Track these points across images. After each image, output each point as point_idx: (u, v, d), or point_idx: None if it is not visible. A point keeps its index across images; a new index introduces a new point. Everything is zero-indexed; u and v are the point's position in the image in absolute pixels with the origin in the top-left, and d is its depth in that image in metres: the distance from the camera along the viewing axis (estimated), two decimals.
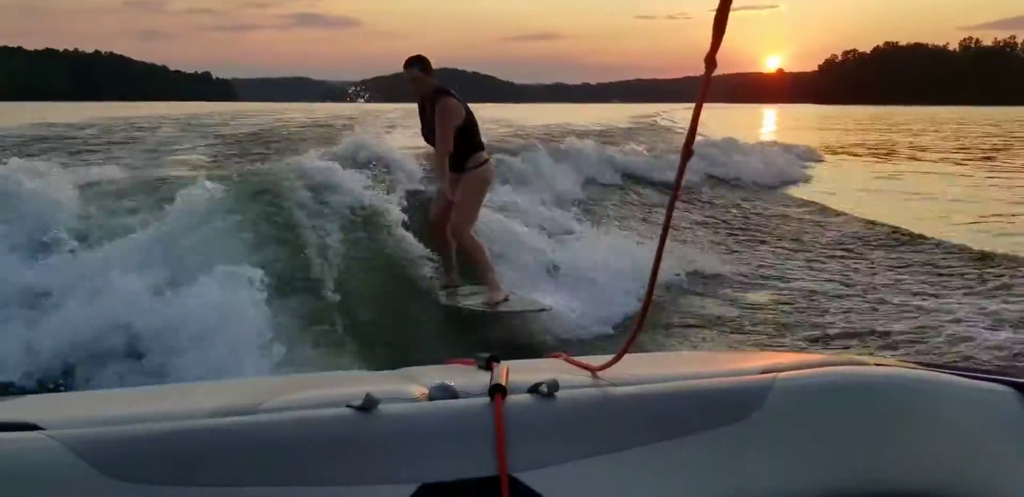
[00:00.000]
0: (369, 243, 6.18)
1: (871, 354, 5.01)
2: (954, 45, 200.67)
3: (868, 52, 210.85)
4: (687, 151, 1.31)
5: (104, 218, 5.70)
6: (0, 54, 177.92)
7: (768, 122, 52.75)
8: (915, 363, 1.71)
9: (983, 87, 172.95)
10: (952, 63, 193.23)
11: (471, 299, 5.86)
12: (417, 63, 5.89)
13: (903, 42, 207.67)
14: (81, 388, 4.21)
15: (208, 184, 5.96)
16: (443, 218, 6.02)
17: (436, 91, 5.88)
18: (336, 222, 6.14)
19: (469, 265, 6.01)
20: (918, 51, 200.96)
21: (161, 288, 4.78)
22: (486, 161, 6.06)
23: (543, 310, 5.67)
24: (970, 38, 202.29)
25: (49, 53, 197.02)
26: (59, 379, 4.39)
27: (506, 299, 5.76)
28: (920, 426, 1.46)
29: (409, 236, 6.38)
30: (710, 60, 1.21)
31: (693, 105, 1.35)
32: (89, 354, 4.51)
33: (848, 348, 5.44)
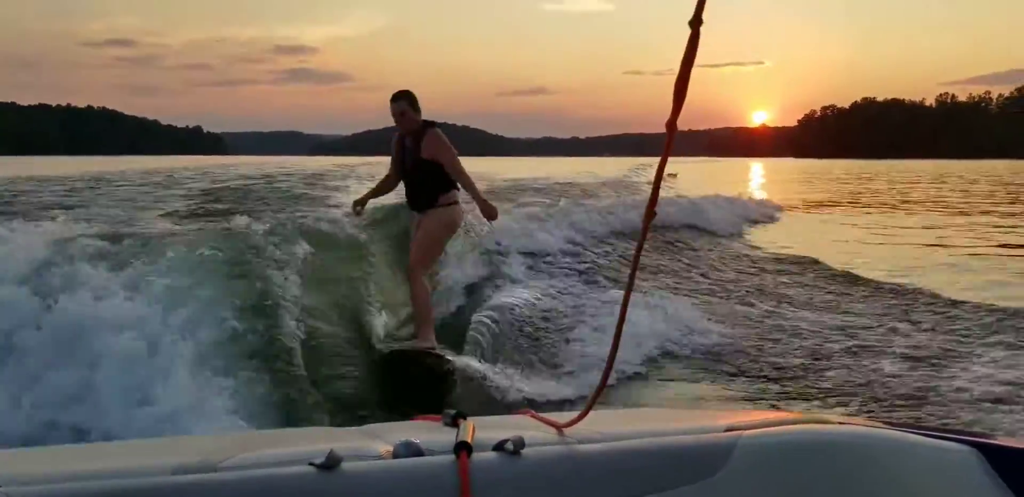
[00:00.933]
0: (336, 295, 6.07)
1: (835, 412, 4.94)
2: (931, 100, 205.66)
3: (847, 107, 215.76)
4: (650, 211, 1.30)
5: (62, 271, 5.49)
6: None
7: (741, 176, 54.26)
8: (879, 422, 1.69)
9: (955, 141, 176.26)
10: (927, 118, 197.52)
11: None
12: (405, 97, 5.80)
13: (880, 98, 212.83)
14: (33, 444, 4.00)
15: (177, 240, 5.86)
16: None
17: (425, 124, 5.81)
18: (302, 272, 6.01)
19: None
20: (895, 106, 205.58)
21: (117, 341, 4.60)
22: (457, 202, 5.93)
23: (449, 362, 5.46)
24: (946, 94, 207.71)
25: (42, 108, 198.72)
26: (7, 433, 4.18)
27: (432, 348, 5.53)
28: (884, 486, 1.45)
29: (376, 287, 6.24)
30: (671, 125, 1.22)
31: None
32: (43, 408, 4.32)
33: (812, 406, 5.35)
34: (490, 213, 5.81)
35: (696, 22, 1.20)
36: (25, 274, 5.32)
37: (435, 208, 5.79)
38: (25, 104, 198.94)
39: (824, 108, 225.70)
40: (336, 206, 12.48)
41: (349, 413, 4.70)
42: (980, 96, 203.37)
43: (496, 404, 5.05)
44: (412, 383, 5.32)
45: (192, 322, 4.75)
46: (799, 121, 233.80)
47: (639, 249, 1.40)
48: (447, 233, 6.02)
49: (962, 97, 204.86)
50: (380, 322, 6.16)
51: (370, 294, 6.44)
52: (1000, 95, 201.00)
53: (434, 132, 5.75)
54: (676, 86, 1.20)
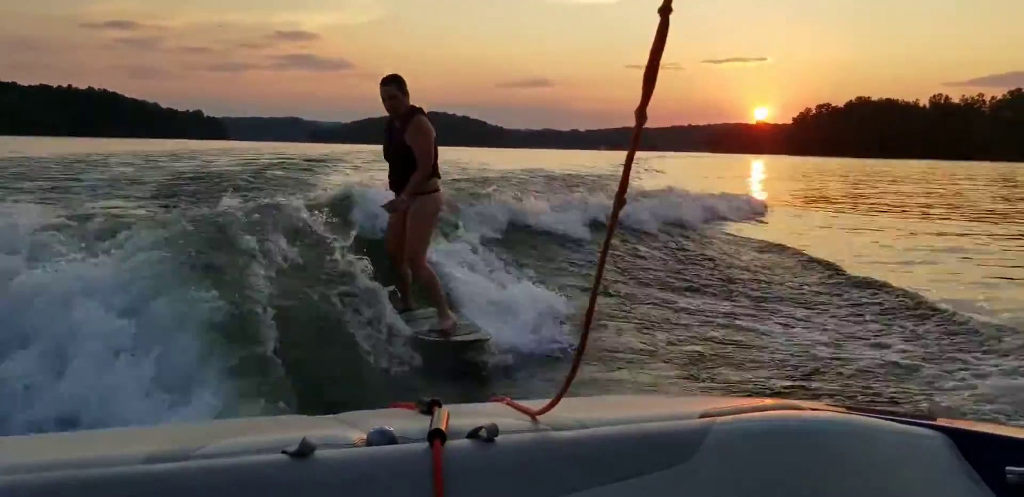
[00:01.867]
0: (311, 280, 6.00)
1: (806, 398, 4.91)
2: (924, 102, 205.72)
3: (841, 106, 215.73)
4: (620, 199, 1.31)
5: (40, 254, 5.43)
6: None
7: (727, 172, 54.50)
8: (848, 408, 1.70)
9: (947, 142, 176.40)
10: (921, 119, 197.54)
11: (424, 324, 5.96)
12: (394, 81, 5.85)
13: (876, 97, 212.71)
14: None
15: (149, 223, 5.79)
16: (399, 244, 6.06)
17: (411, 110, 5.87)
18: (277, 259, 5.91)
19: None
20: (889, 106, 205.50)
21: (94, 326, 4.54)
22: (439, 189, 6.05)
23: (484, 340, 5.80)
24: (940, 95, 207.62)
25: (43, 89, 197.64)
26: None
27: (454, 325, 5.89)
28: (854, 470, 1.46)
29: (354, 272, 6.20)
30: (640, 113, 1.23)
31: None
32: (8, 396, 4.23)
33: (783, 392, 5.35)
34: (396, 202, 5.88)
35: (665, 10, 1.18)
36: None
37: (420, 195, 5.86)
38: (26, 85, 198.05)
39: (819, 106, 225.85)
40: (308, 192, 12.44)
41: (324, 400, 4.56)
42: (973, 98, 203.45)
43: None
44: (388, 369, 5.36)
45: (161, 308, 4.67)
46: (793, 119, 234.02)
47: (609, 237, 1.39)
48: (433, 221, 6.13)
49: (956, 99, 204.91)
50: (361, 307, 6.10)
51: (343, 279, 6.38)
52: (993, 97, 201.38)
53: (420, 118, 5.82)
54: (645, 74, 1.21)
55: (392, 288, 5.99)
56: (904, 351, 6.43)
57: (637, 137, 1.27)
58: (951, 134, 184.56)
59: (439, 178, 5.99)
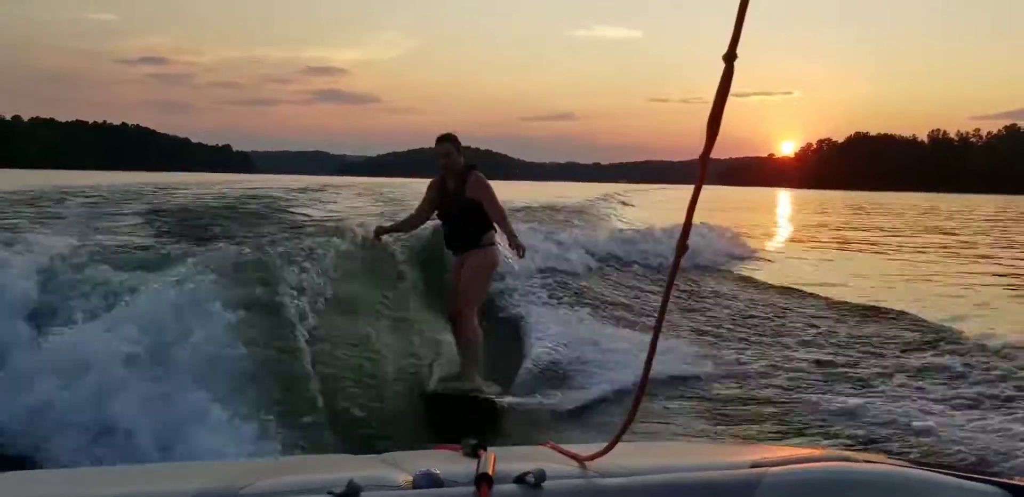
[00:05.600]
0: (356, 323, 5.93)
1: (859, 449, 4.72)
2: (922, 137, 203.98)
3: (839, 141, 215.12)
4: (682, 244, 1.29)
5: (78, 285, 5.44)
6: (35, 125, 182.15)
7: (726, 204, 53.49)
8: (904, 461, 1.62)
9: (942, 176, 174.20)
10: (919, 153, 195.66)
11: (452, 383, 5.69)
12: (449, 140, 5.87)
13: (874, 132, 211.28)
14: (49, 466, 3.91)
15: (192, 259, 5.75)
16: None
17: (468, 167, 5.88)
18: (321, 302, 5.88)
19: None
20: (887, 141, 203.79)
21: (136, 364, 4.49)
22: (495, 242, 5.96)
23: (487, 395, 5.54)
24: (937, 130, 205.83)
25: (79, 124, 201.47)
26: (27, 456, 4.08)
27: (473, 390, 5.58)
28: None
29: (398, 316, 6.19)
30: (704, 158, 1.22)
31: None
32: (58, 431, 4.22)
33: (836, 443, 5.12)
34: (519, 250, 5.79)
35: (730, 57, 1.17)
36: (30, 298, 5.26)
37: (478, 248, 5.83)
38: (63, 120, 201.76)
39: (820, 141, 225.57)
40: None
41: (369, 440, 4.57)
42: (969, 133, 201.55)
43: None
44: (434, 412, 5.25)
45: (208, 348, 4.60)
46: (795, 154, 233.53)
47: (670, 285, 1.37)
48: (490, 273, 6.08)
49: (952, 134, 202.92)
50: (410, 349, 6.00)
51: (393, 322, 6.29)
52: (989, 132, 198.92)
53: (478, 174, 5.81)
54: (709, 119, 1.19)
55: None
56: (962, 405, 6.03)
57: (701, 180, 1.24)
58: (951, 168, 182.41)
59: (495, 232, 5.91)
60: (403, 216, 6.83)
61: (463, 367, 5.76)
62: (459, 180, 5.84)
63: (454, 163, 5.84)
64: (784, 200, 69.57)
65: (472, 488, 1.26)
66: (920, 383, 6.61)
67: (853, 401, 6.01)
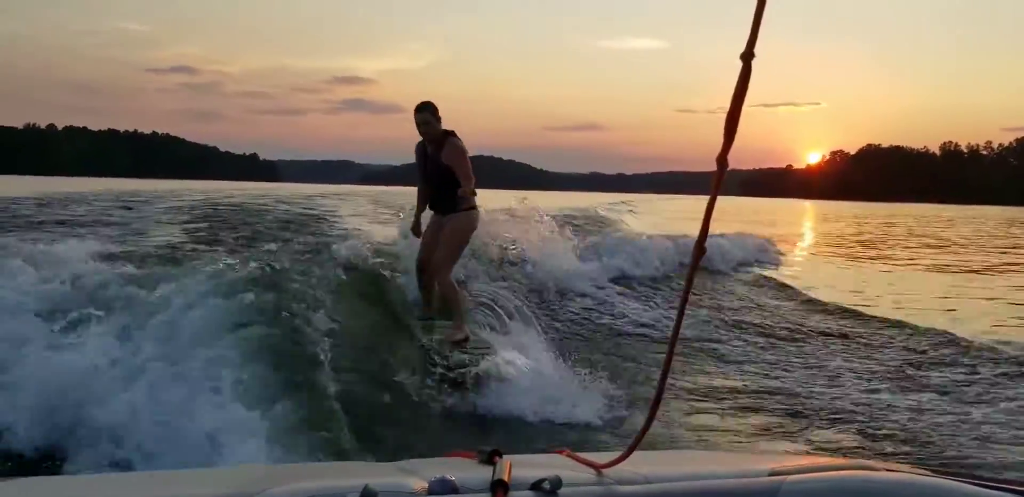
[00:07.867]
0: (374, 329, 5.94)
1: (880, 458, 4.62)
2: (934, 148, 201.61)
3: (852, 152, 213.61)
4: (699, 248, 1.27)
5: (95, 292, 5.45)
6: (69, 134, 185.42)
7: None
8: (926, 469, 1.57)
9: (950, 187, 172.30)
10: (928, 164, 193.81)
11: (440, 333, 6.10)
12: (428, 108, 6.12)
13: (886, 144, 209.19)
14: (61, 472, 3.92)
15: (209, 266, 5.77)
16: (430, 254, 6.31)
17: (445, 133, 6.13)
18: (337, 303, 5.86)
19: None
20: (897, 153, 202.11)
21: (150, 369, 4.50)
22: (475, 206, 6.21)
23: (486, 350, 5.83)
24: (950, 142, 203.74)
25: (112, 133, 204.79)
26: (43, 461, 4.10)
27: (467, 339, 6.02)
28: None
29: (415, 322, 6.18)
30: (721, 160, 1.19)
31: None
32: (70, 437, 4.24)
33: (855, 451, 5.04)
34: (467, 197, 6.00)
35: (747, 56, 1.12)
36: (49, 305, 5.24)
37: (458, 212, 6.12)
38: (96, 129, 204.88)
39: (833, 152, 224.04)
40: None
41: (385, 448, 4.50)
42: (980, 145, 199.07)
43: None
44: (450, 421, 5.23)
45: (222, 351, 4.60)
46: (808, 165, 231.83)
47: (687, 289, 1.33)
48: (467, 237, 6.35)
49: (963, 147, 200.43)
50: (420, 352, 6.00)
51: (407, 331, 6.30)
52: (1000, 144, 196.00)
53: (453, 140, 6.07)
54: (727, 121, 1.15)
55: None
56: (988, 413, 5.94)
57: (717, 184, 1.21)
58: (956, 180, 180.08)
59: (475, 196, 6.14)
60: (413, 201, 6.85)
61: (454, 320, 6.16)
62: (437, 146, 6.13)
63: (432, 130, 6.11)
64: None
65: (487, 495, 1.25)
66: (947, 396, 6.52)
67: (878, 411, 5.94)
